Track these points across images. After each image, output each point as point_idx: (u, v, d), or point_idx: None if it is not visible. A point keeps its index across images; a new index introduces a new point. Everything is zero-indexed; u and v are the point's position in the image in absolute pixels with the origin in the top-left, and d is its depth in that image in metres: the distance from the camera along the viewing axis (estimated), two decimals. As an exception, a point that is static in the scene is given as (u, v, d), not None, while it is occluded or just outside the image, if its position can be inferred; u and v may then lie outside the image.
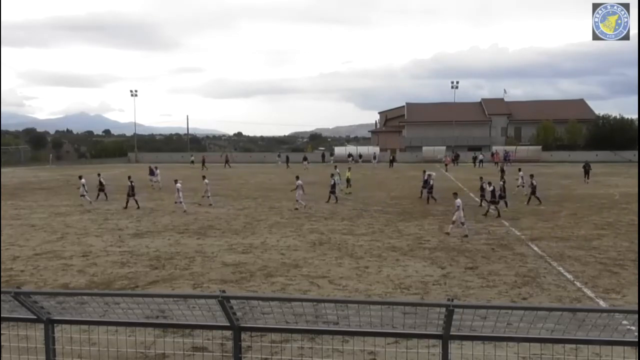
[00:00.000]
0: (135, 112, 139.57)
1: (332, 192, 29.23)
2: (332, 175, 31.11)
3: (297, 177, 28.75)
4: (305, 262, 15.41)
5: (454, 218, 19.83)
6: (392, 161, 64.87)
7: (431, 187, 28.99)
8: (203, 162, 62.60)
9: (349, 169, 38.16)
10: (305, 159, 64.50)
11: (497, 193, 24.87)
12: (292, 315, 5.15)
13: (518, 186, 33.40)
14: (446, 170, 50.06)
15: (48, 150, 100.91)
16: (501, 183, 26.81)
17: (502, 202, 25.54)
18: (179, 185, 26.93)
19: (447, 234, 19.46)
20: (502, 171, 37.73)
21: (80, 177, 30.21)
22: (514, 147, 77.92)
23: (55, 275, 14.18)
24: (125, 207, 27.29)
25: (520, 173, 35.33)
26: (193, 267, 14.98)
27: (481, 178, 26.89)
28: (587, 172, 40.73)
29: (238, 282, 13.35)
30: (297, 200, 27.27)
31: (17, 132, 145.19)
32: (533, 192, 28.12)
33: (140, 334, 5.94)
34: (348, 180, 35.03)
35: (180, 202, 26.43)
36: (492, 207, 24.23)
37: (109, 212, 26.23)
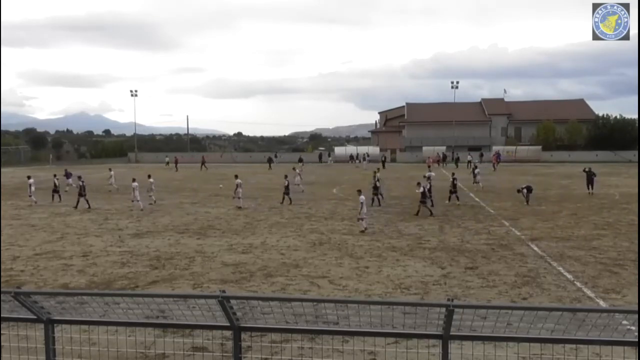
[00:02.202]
0: (135, 112, 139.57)
1: (286, 193, 29.10)
2: (286, 176, 30.81)
3: (236, 176, 29.17)
4: (305, 262, 15.41)
5: (359, 215, 20.67)
6: (384, 162, 64.11)
7: (376, 188, 28.55)
8: (176, 163, 62.25)
9: (378, 169, 37.84)
10: (300, 160, 63.96)
11: (428, 193, 26.06)
12: (292, 315, 5.15)
13: (478, 182, 35.89)
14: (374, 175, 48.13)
15: (48, 150, 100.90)
16: (451, 180, 29.46)
17: (454, 197, 28.73)
18: (135, 184, 27.38)
19: (362, 231, 20.17)
20: (473, 172, 38.67)
21: (28, 177, 30.47)
22: (513, 147, 77.96)
23: (55, 275, 14.18)
24: (76, 207, 27.48)
25: (477, 170, 37.44)
26: (193, 267, 14.98)
27: (424, 177, 28.16)
28: (590, 181, 32.63)
29: (238, 282, 13.35)
30: (238, 198, 27.86)
31: (17, 132, 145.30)
32: (529, 191, 28.34)
33: (140, 334, 5.94)
34: (376, 182, 34.74)
35: (138, 201, 26.97)
36: (422, 206, 24.86)
37: (109, 212, 26.24)
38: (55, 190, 31.00)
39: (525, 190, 28.50)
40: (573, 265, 14.82)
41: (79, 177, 29.55)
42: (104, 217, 24.68)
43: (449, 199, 28.77)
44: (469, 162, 61.24)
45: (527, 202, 27.93)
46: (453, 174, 31.33)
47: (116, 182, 37.51)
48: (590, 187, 32.51)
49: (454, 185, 29.15)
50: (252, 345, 7.37)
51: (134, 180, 28.12)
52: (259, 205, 28.35)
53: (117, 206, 28.53)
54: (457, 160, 62.75)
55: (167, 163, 68.20)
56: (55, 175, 32.53)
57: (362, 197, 20.93)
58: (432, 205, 25.76)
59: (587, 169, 33.37)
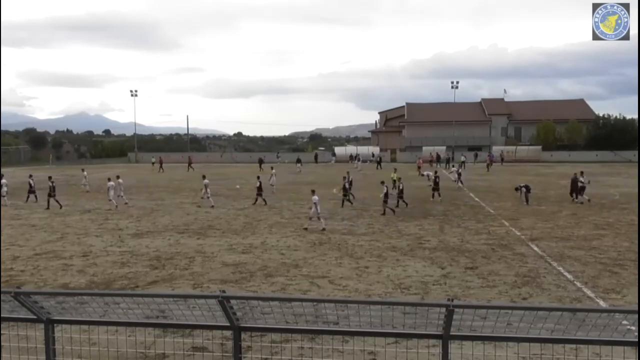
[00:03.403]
0: (135, 112, 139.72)
1: (259, 194, 28.94)
2: (259, 177, 30.72)
3: (204, 177, 29.71)
4: (305, 262, 15.42)
5: (310, 214, 21.29)
6: (379, 162, 64.06)
7: (346, 189, 28.47)
8: (160, 164, 61.90)
9: (395, 169, 37.74)
10: (298, 160, 63.57)
11: (396, 193, 27.33)
12: (292, 315, 5.15)
13: (455, 181, 37.69)
14: (419, 174, 46.83)
15: (48, 150, 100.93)
16: (433, 178, 31.49)
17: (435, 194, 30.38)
18: (111, 183, 27.98)
19: (306, 229, 20.70)
20: (458, 174, 39.52)
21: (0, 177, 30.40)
22: (513, 147, 77.98)
23: (55, 275, 14.18)
24: (47, 208, 27.60)
25: (454, 169, 39.71)
26: (193, 267, 14.98)
27: (422, 175, 29.25)
28: (575, 187, 29.15)
29: (238, 282, 13.35)
30: (207, 198, 28.36)
31: (17, 132, 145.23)
32: (528, 191, 28.56)
33: (140, 334, 5.94)
34: (394, 182, 34.63)
35: (110, 200, 27.58)
36: (385, 205, 25.31)
37: (109, 212, 26.24)
38: (31, 190, 30.73)
39: (524, 189, 28.48)
40: (573, 265, 14.82)
41: (50, 178, 29.52)
42: (104, 217, 24.68)
43: (433, 196, 30.31)
44: (462, 162, 61.16)
45: (527, 202, 27.94)
46: (435, 172, 33.51)
47: (89, 182, 37.29)
48: (575, 194, 28.94)
49: (436, 183, 30.76)
50: (252, 345, 7.37)
51: (109, 179, 28.73)
52: (211, 206, 28.40)
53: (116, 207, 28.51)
54: (448, 161, 62.63)
55: (153, 164, 67.79)
56: (30, 176, 32.30)
57: (315, 198, 21.25)
58: (407, 205, 26.94)
59: (575, 175, 29.84)
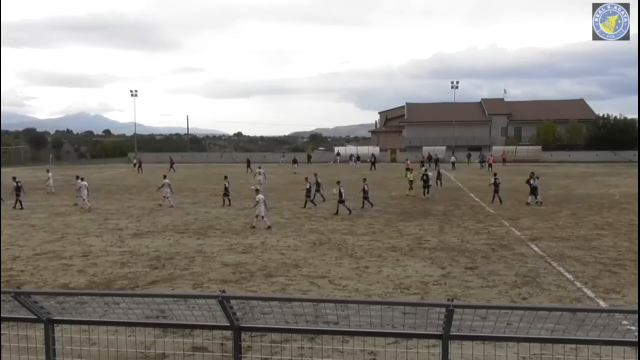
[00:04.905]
0: (135, 112, 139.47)
1: (226, 194, 28.84)
2: (226, 177, 30.44)
3: (165, 177, 30.00)
4: (305, 262, 15.42)
5: (255, 212, 21.74)
6: (373, 163, 63.92)
7: (308, 191, 28.22)
8: (140, 164, 61.25)
9: (410, 170, 37.71)
10: (295, 161, 63.30)
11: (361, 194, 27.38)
12: (292, 315, 5.15)
13: (436, 180, 38.51)
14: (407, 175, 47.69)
15: (48, 150, 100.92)
16: (422, 175, 32.34)
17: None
18: (84, 183, 28.09)
19: (253, 227, 21.32)
20: (440, 170, 41.11)
21: None
22: (513, 147, 77.98)
23: (55, 275, 14.18)
24: (14, 207, 27.57)
25: (422, 168, 39.51)
26: (193, 267, 14.99)
27: (364, 180, 30.10)
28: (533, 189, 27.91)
29: (238, 282, 13.36)
30: (165, 197, 28.52)
31: (17, 132, 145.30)
32: (496, 191, 28.71)
33: (140, 334, 5.94)
34: (411, 182, 34.39)
35: (84, 200, 27.67)
36: (341, 205, 25.38)
37: (109, 212, 26.24)
38: None
39: (493, 185, 28.66)
40: (573, 265, 14.82)
41: (14, 178, 29.37)
42: (104, 217, 24.68)
43: (428, 192, 31.30)
44: (453, 163, 61.02)
45: (492, 200, 28.24)
46: (425, 170, 34.66)
47: (54, 184, 36.56)
48: (533, 195, 27.90)
49: (426, 181, 31.70)
50: (252, 345, 7.38)
51: (82, 179, 28.64)
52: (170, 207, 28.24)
53: (116, 206, 28.54)
54: (437, 161, 62.48)
55: (134, 165, 66.97)
56: None
57: (260, 196, 21.83)
58: (372, 206, 26.87)
59: (530, 177, 28.75)
